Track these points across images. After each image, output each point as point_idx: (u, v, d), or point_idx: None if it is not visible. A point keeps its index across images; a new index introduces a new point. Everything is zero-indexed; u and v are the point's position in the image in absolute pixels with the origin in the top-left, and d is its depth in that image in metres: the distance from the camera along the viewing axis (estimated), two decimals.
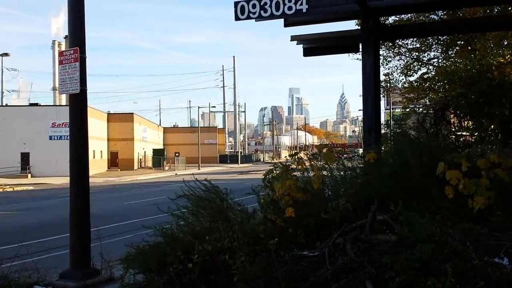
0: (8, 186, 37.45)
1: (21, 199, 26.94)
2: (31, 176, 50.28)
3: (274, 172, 5.68)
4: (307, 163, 5.88)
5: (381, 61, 15.35)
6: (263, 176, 5.82)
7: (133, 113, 73.01)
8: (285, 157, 79.91)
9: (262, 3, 6.79)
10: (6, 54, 42.09)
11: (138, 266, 5.83)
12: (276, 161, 74.73)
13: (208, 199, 5.62)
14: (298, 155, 6.00)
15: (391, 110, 42.91)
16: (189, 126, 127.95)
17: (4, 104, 72.40)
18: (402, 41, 15.97)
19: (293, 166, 5.81)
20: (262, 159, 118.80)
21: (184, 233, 5.72)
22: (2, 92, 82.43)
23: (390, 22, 14.79)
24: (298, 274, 4.40)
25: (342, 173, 6.06)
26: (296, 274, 4.41)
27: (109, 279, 7.20)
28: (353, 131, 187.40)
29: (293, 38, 8.99)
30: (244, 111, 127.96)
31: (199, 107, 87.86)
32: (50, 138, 52.71)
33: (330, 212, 5.30)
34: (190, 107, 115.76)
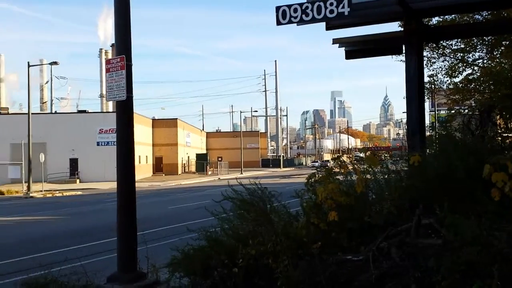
0: (57, 192, 38.80)
1: (70, 204, 27.84)
2: (80, 182, 51.90)
3: (317, 175, 5.65)
4: (350, 167, 5.83)
5: (425, 62, 15.03)
6: (306, 180, 5.80)
7: (177, 119, 74.22)
8: (327, 160, 79.22)
9: (303, 7, 6.79)
10: (55, 63, 43.57)
11: (183, 270, 5.92)
12: (319, 164, 74.86)
13: (251, 203, 5.65)
14: (341, 158, 5.95)
15: (436, 112, 41.85)
16: (232, 130, 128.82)
17: (53, 111, 75.25)
18: (446, 42, 15.58)
19: (336, 169, 5.77)
20: (304, 163, 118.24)
21: (228, 236, 5.77)
22: (52, 100, 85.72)
23: (434, 23, 14.48)
24: (342, 278, 4.37)
25: (386, 176, 5.97)
26: (340, 278, 4.37)
27: (155, 282, 7.29)
28: (397, 133, 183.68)
29: (335, 41, 8.93)
30: (286, 115, 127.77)
31: (241, 112, 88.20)
32: (98, 144, 54.30)
33: (374, 215, 5.24)
34: (232, 111, 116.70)
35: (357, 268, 4.44)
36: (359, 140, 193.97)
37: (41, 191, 38.07)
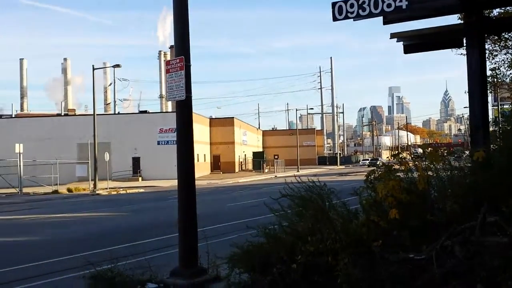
0: (121, 189, 40.27)
1: (133, 201, 28.84)
2: (142, 179, 53.60)
3: (376, 172, 5.58)
4: (411, 164, 5.71)
5: (486, 55, 14.46)
6: (365, 177, 5.74)
7: (233, 118, 75.05)
8: (387, 157, 75.60)
9: (360, 2, 6.71)
10: (118, 65, 45.16)
11: (242, 266, 6.00)
12: (369, 162, 72.77)
13: (310, 200, 5.66)
14: (401, 155, 5.84)
15: (499, 106, 39.99)
16: (288, 128, 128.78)
17: (117, 112, 78.08)
18: (508, 34, 14.90)
19: (396, 166, 5.67)
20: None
21: (286, 234, 5.80)
22: (115, 101, 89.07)
23: (495, 14, 13.89)
24: (404, 277, 4.30)
25: (448, 173, 5.80)
26: (401, 277, 4.30)
27: (216, 278, 7.44)
28: (459, 129, 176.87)
29: (392, 35, 8.76)
30: (343, 112, 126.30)
31: (297, 110, 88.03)
32: (158, 143, 55.87)
33: (436, 213, 5.11)
34: (288, 109, 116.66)
35: (420, 267, 4.36)
36: (418, 136, 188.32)
37: (106, 188, 39.65)
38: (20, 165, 38.52)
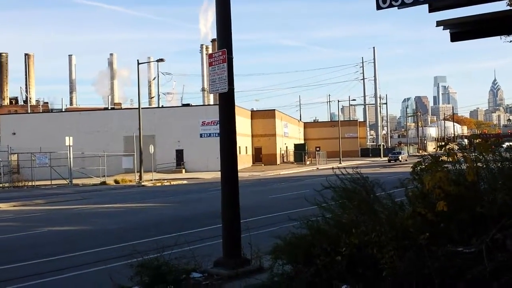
0: (165, 181, 41.06)
1: (177, 192, 29.36)
2: (185, 171, 54.47)
3: (423, 164, 5.45)
4: (459, 155, 5.54)
5: None
6: (411, 168, 5.61)
7: (274, 110, 74.99)
8: (434, 149, 72.64)
9: None
10: (161, 60, 45.90)
11: (285, 257, 6.01)
12: (422, 153, 69.49)
13: (354, 191, 5.59)
14: (448, 146, 5.68)
15: None
16: (329, 120, 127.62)
17: (160, 106, 79.53)
18: None
19: (444, 158, 5.52)
20: (406, 152, 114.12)
21: (330, 225, 5.76)
22: (159, 95, 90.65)
23: None
24: (453, 271, 4.19)
25: (499, 164, 5.59)
26: (450, 270, 4.20)
27: (259, 269, 7.48)
28: (508, 119, 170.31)
29: (439, 23, 8.48)
30: (386, 103, 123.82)
31: (339, 101, 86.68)
32: (201, 135, 56.58)
33: (486, 206, 4.94)
34: (329, 101, 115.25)
35: (469, 260, 4.23)
36: (465, 127, 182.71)
37: (151, 180, 40.54)
38: (70, 157, 39.85)
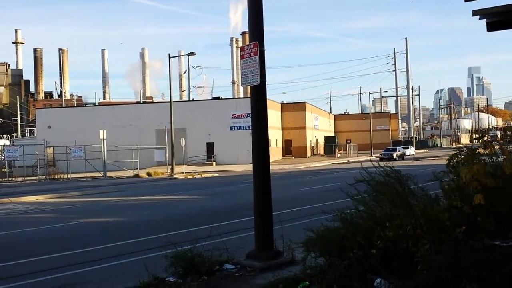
0: (196, 173, 41.45)
1: (208, 184, 29.63)
2: (216, 164, 54.87)
3: (459, 156, 5.36)
4: (496, 147, 5.43)
5: None
6: (447, 161, 5.53)
7: (305, 102, 74.67)
8: (470, 141, 66.46)
9: None
10: (192, 53, 46.20)
11: (318, 250, 6.02)
12: (455, 146, 64.89)
13: (387, 184, 5.55)
14: (485, 138, 5.57)
15: None
16: (360, 112, 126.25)
17: (191, 99, 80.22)
18: None
19: (480, 150, 5.41)
20: (439, 145, 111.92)
21: (363, 219, 5.74)
22: (189, 88, 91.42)
23: None
24: (490, 264, 4.13)
25: None
26: (487, 264, 4.13)
27: (291, 261, 7.52)
28: None
29: (475, 12, 8.28)
30: (418, 95, 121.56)
31: (370, 93, 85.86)
32: (231, 128, 56.84)
33: None
34: (360, 93, 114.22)
35: (507, 254, 4.16)
36: (500, 119, 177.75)
37: (183, 172, 41.00)
38: (104, 151, 40.65)
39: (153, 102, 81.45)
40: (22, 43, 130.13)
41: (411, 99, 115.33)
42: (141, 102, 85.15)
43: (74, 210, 18.81)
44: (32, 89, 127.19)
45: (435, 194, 5.75)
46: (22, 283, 7.65)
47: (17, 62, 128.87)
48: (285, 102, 79.47)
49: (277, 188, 22.28)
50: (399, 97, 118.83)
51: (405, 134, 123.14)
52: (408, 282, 4.71)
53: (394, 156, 55.79)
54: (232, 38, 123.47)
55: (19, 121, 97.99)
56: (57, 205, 20.94)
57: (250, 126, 8.35)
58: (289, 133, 70.88)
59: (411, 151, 69.55)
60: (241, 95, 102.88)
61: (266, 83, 8.04)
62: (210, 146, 56.97)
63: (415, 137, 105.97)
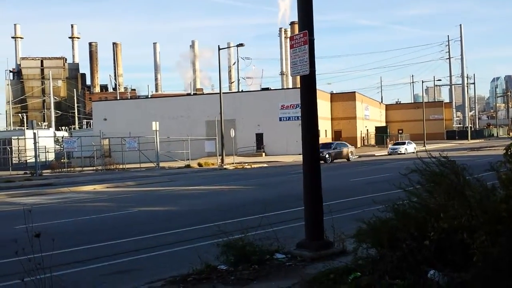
0: (246, 164, 41.83)
1: (259, 175, 29.83)
2: (265, 155, 55.14)
3: None
4: None
5: None
6: (504, 150, 5.34)
7: (355, 92, 73.65)
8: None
9: None
10: (241, 45, 46.48)
11: (370, 241, 5.97)
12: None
13: (442, 175, 5.42)
14: None
15: None
16: (412, 102, 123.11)
17: (240, 90, 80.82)
18: None
19: None
20: (495, 134, 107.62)
21: (416, 209, 5.63)
22: (239, 79, 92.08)
23: None
24: None
25: None
26: None
27: (342, 252, 7.48)
28: None
29: None
30: (473, 83, 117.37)
31: (423, 82, 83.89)
32: (280, 119, 56.91)
33: None
34: (413, 82, 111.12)
35: None
36: None
37: (232, 163, 41.50)
38: (156, 142, 41.70)
39: (203, 94, 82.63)
40: (78, 38, 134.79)
41: (465, 88, 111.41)
42: (192, 94, 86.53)
43: (129, 199, 19.45)
44: (88, 82, 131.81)
45: (491, 185, 5.56)
46: (81, 269, 8.01)
47: (73, 56, 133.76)
48: (334, 92, 78.64)
49: (327, 178, 22.06)
50: (453, 86, 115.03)
51: (459, 123, 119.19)
52: (463, 274, 4.61)
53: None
54: (280, 28, 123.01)
55: (76, 113, 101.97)
56: (113, 195, 21.71)
57: (299, 117, 8.33)
58: (339, 123, 70.16)
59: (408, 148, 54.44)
60: (290, 86, 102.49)
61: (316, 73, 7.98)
62: (259, 137, 57.29)
63: (470, 127, 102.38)
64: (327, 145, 42.91)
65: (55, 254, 5.93)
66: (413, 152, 50.28)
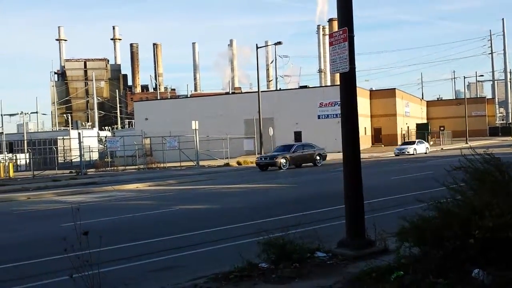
0: None
1: (297, 173, 29.77)
2: None
3: None
4: None
5: None
6: None
7: (395, 89, 72.36)
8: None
9: None
10: (279, 43, 46.46)
11: (412, 240, 5.91)
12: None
13: (486, 172, 5.32)
14: None
15: None
16: (454, 98, 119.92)
17: (278, 88, 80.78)
18: None
19: None
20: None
21: (460, 208, 5.55)
22: (277, 78, 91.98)
23: None
24: None
25: None
26: None
27: (384, 250, 7.39)
28: None
29: None
30: None
31: (464, 77, 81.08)
32: (318, 117, 56.58)
33: None
34: (454, 78, 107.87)
35: None
36: None
37: None
38: (196, 141, 42.23)
39: (241, 93, 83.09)
40: (119, 39, 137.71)
41: (508, 83, 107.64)
42: (230, 92, 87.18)
43: (171, 197, 19.80)
44: (129, 82, 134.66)
45: None
46: (127, 266, 8.24)
47: (115, 57, 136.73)
48: (373, 89, 77.55)
49: (368, 176, 21.68)
50: (496, 81, 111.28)
51: (502, 120, 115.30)
52: (509, 272, 4.51)
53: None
54: (318, 25, 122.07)
55: (118, 113, 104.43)
56: (155, 193, 22.17)
57: (338, 114, 8.31)
58: (379, 120, 69.09)
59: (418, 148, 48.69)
60: (328, 83, 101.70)
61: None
62: (297, 135, 57.11)
63: None
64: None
65: (102, 251, 6.14)
66: (425, 153, 47.16)
